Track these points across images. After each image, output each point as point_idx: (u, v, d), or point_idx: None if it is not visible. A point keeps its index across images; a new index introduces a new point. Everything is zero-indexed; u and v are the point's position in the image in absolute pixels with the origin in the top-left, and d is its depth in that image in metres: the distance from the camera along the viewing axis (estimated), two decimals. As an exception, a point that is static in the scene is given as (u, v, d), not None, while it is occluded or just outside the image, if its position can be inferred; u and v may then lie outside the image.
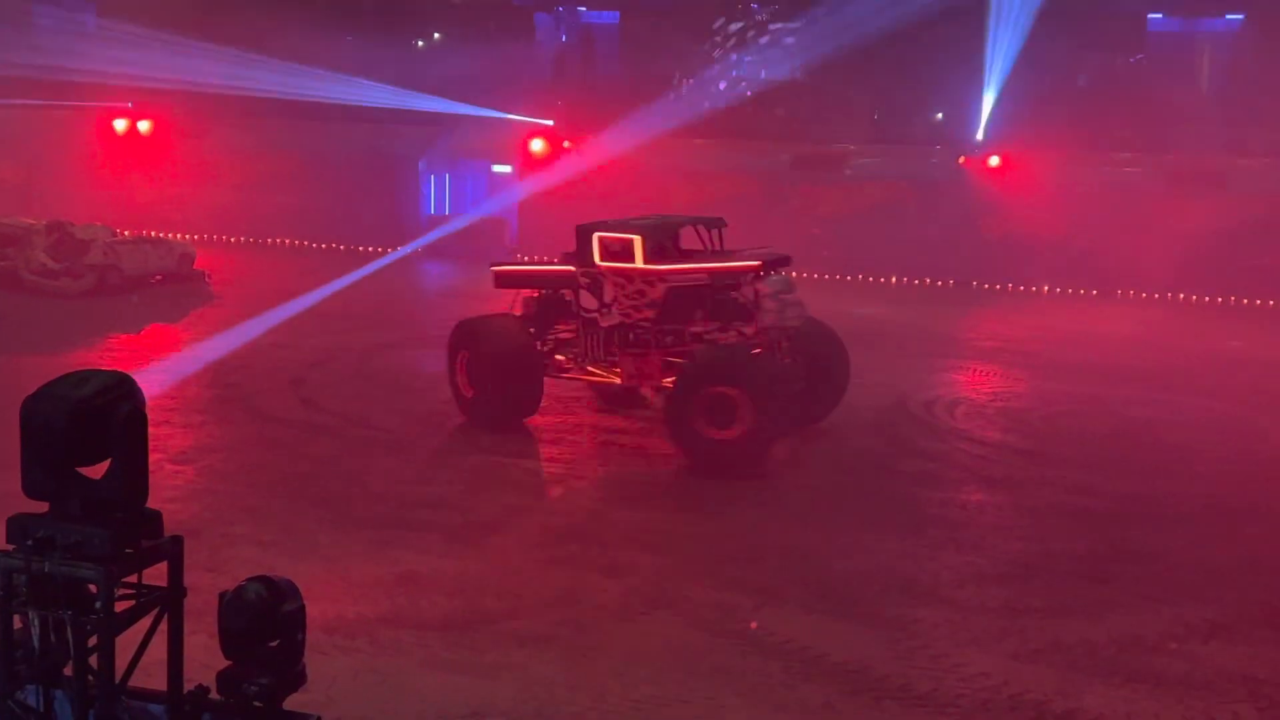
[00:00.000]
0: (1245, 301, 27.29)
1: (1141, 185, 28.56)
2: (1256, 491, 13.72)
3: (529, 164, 31.68)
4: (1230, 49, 33.88)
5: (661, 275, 14.90)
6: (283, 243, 31.76)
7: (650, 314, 14.89)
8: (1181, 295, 27.65)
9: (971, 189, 29.28)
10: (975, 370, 19.93)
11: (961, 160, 29.85)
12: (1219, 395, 18.18)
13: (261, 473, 13.37)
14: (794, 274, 15.61)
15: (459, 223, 31.35)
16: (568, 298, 15.58)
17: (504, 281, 16.36)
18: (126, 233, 26.54)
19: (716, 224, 15.85)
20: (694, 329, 14.85)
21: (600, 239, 15.06)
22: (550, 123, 31.72)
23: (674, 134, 31.60)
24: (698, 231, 15.84)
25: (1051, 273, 28.16)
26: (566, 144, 31.26)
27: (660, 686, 8.55)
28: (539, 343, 15.54)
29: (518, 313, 15.72)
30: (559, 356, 15.66)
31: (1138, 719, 8.25)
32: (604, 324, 15.09)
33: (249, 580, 3.99)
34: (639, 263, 14.84)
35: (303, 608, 3.75)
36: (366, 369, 18.52)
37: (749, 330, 14.59)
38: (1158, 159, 29.02)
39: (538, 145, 31.21)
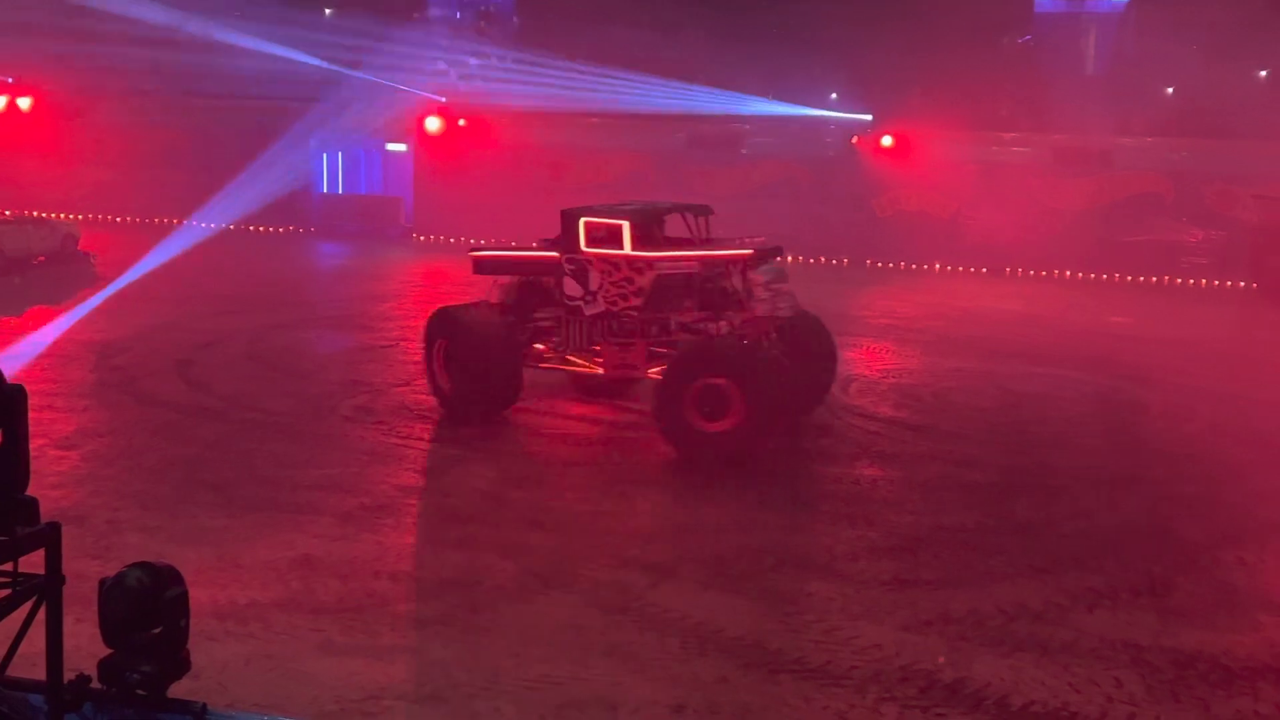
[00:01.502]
0: (1129, 278, 28.03)
1: (1029, 164, 29.17)
2: (1136, 462, 14.11)
3: (424, 142, 31.39)
4: (1115, 30, 34.71)
5: (650, 262, 14.35)
6: (171, 222, 31.10)
7: (637, 302, 14.38)
8: (1068, 272, 28.32)
9: (865, 168, 29.66)
10: (868, 347, 20.20)
11: (855, 140, 30.21)
12: (1102, 369, 18.66)
13: (148, 457, 13.10)
14: (786, 261, 15.30)
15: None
16: (548, 285, 15.02)
17: (483, 267, 15.71)
18: (8, 213, 25.81)
19: (703, 211, 15.25)
20: (682, 318, 14.43)
21: (586, 224, 14.53)
22: (444, 100, 31.44)
23: (570, 112, 31.59)
24: (684, 219, 15.16)
25: (943, 251, 28.67)
26: (461, 122, 31.02)
27: (556, 665, 8.55)
28: (518, 331, 14.92)
29: (495, 300, 15.10)
30: (538, 345, 15.09)
31: (1024, 686, 8.43)
32: (588, 312, 14.58)
33: (129, 567, 3.90)
34: (627, 249, 14.35)
35: (185, 593, 3.68)
36: (256, 351, 18.23)
37: (739, 320, 14.14)
38: (1044, 138, 29.65)
39: (433, 123, 30.93)
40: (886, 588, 10.20)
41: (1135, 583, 10.41)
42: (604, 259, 14.44)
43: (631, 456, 13.68)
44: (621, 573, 10.31)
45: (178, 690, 4.07)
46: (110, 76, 31.12)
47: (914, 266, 28.66)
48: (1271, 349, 20.83)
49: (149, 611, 3.75)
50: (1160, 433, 15.52)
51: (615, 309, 14.46)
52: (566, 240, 14.68)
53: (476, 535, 11.12)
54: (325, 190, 32.64)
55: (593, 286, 14.51)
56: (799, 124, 31.47)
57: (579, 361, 14.91)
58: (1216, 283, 27.87)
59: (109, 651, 4.03)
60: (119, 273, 23.92)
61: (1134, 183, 28.68)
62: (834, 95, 32.23)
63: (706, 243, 14.87)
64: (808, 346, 14.78)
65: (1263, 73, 33.02)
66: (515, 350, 14.74)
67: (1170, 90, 32.01)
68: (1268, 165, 27.95)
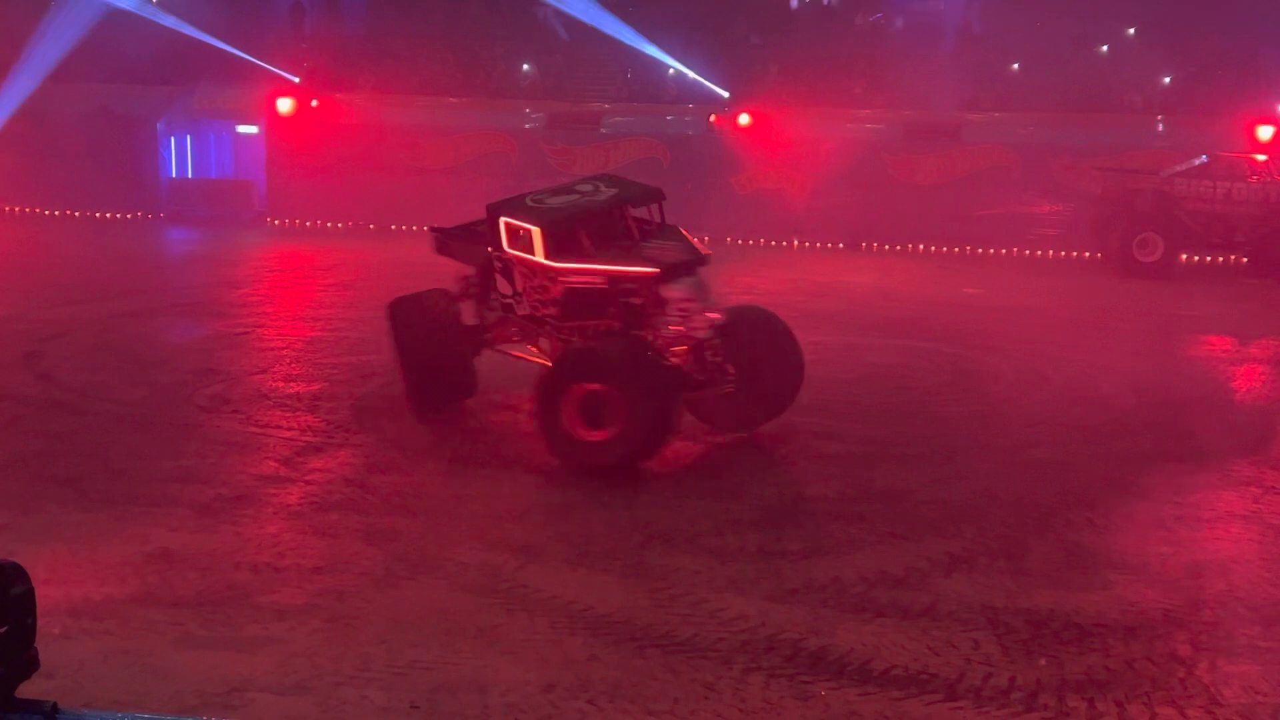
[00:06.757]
0: (980, 250, 28.75)
1: (882, 140, 29.68)
2: (990, 429, 14.52)
3: (276, 124, 30.73)
4: (962, 8, 35.48)
5: (559, 273, 13.49)
6: (10, 210, 30.03)
7: (554, 310, 13.66)
8: (921, 246, 28.93)
9: (723, 146, 29.88)
10: (730, 323, 20.35)
11: (713, 119, 30.43)
12: (956, 340, 19.12)
13: (-5, 453, 12.65)
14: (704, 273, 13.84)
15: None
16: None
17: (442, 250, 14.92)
18: None
19: (655, 197, 14.31)
20: (602, 327, 13.55)
21: (507, 224, 13.67)
22: (296, 79, 30.81)
23: (427, 91, 31.29)
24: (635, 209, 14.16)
25: (801, 227, 29.06)
26: (314, 103, 30.44)
27: (425, 650, 8.50)
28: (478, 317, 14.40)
29: (455, 288, 14.49)
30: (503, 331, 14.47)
31: (885, 651, 8.63)
32: (519, 313, 14.05)
33: (-29, 566, 3.76)
34: (539, 257, 13.48)
35: (32, 590, 3.56)
36: (107, 340, 17.69)
37: (651, 336, 13.27)
38: (897, 114, 30.20)
39: (285, 104, 30.28)
40: (751, 559, 10.34)
41: (991, 547, 10.72)
42: (522, 262, 13.77)
43: (498, 439, 13.61)
44: (489, 555, 10.28)
45: (29, 690, 3.95)
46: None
47: (773, 243, 28.99)
48: (1115, 316, 21.60)
49: (-7, 611, 3.61)
50: (1013, 400, 15.97)
51: (537, 314, 13.87)
52: (493, 237, 13.93)
53: (340, 523, 10.98)
54: (174, 174, 31.74)
55: (518, 286, 13.99)
56: (657, 101, 31.61)
57: (534, 350, 14.23)
58: (1064, 253, 28.74)
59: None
60: (-43, 263, 23.02)
61: (983, 157, 29.41)
62: (690, 74, 32.38)
63: (627, 250, 13.72)
64: (754, 353, 13.60)
65: (1104, 48, 34.06)
66: (465, 341, 14.24)
67: (1016, 66, 32.83)
68: (1110, 138, 28.91)
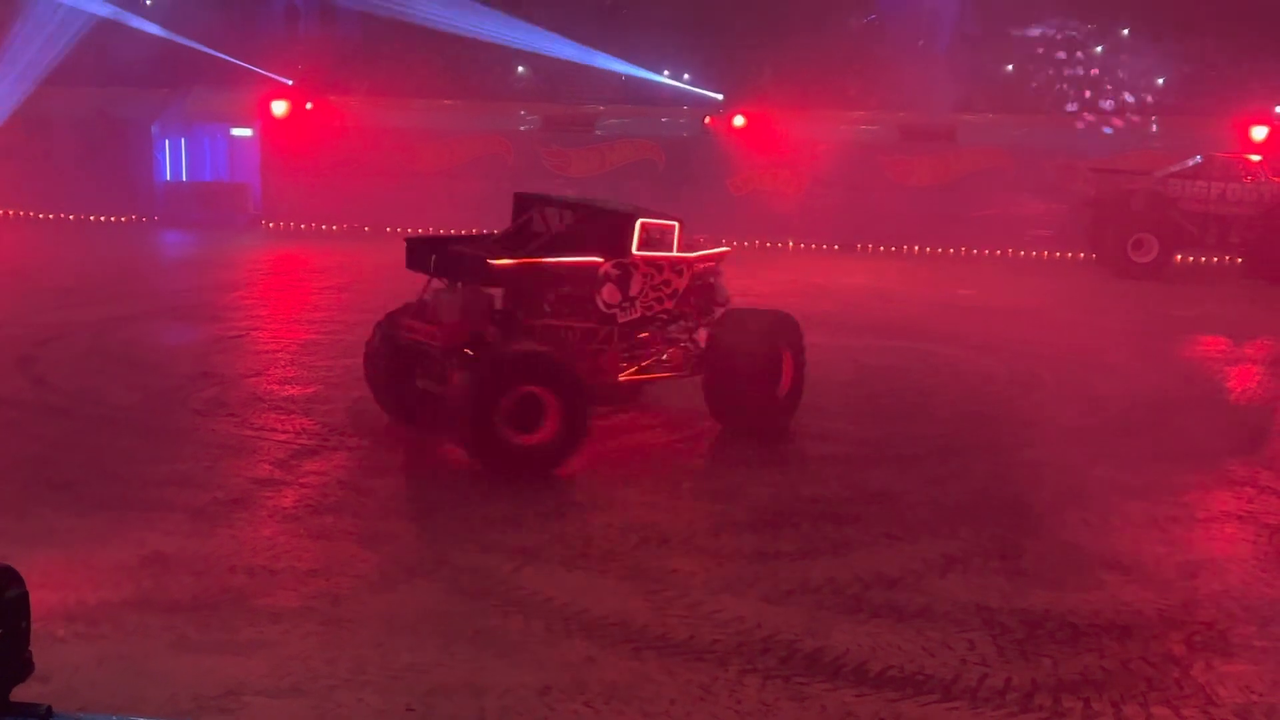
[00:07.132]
0: (974, 251, 28.80)
1: (877, 142, 29.73)
2: (987, 431, 14.53)
3: (270, 127, 30.73)
4: (956, 11, 35.56)
5: (690, 263, 13.92)
6: (4, 213, 29.99)
7: (670, 305, 13.78)
8: (916, 247, 28.97)
9: (718, 148, 29.93)
10: (725, 325, 20.34)
11: (708, 120, 30.46)
12: (952, 341, 19.14)
13: (-11, 457, 12.62)
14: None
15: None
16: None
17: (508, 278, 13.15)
18: None
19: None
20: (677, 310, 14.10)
21: (644, 226, 13.44)
22: (290, 82, 30.81)
23: (422, 93, 31.32)
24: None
25: (796, 228, 29.09)
26: (309, 105, 30.44)
27: (421, 653, 8.49)
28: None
29: (474, 322, 12.99)
30: None
31: (881, 652, 8.63)
32: (622, 319, 13.49)
33: (-35, 570, 3.75)
34: (676, 251, 13.71)
35: (26, 594, 3.55)
36: (101, 344, 17.68)
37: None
38: (892, 116, 30.25)
39: (279, 107, 30.28)
40: (747, 561, 10.33)
41: (986, 547, 10.72)
42: (650, 262, 13.59)
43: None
44: (486, 557, 10.26)
45: (24, 694, 3.94)
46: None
47: (768, 244, 29.02)
48: (1109, 316, 21.64)
49: (-13, 615, 3.60)
50: (1007, 400, 15.99)
51: (650, 313, 13.76)
52: (610, 244, 13.43)
53: (336, 526, 10.96)
54: (169, 178, 31.73)
55: (633, 292, 13.52)
56: (652, 103, 31.64)
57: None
58: (1058, 254, 28.79)
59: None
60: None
61: (977, 158, 29.46)
62: (686, 76, 32.45)
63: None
64: None
65: (1098, 49, 34.13)
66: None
67: (1010, 68, 32.91)
68: (1103, 139, 28.97)
